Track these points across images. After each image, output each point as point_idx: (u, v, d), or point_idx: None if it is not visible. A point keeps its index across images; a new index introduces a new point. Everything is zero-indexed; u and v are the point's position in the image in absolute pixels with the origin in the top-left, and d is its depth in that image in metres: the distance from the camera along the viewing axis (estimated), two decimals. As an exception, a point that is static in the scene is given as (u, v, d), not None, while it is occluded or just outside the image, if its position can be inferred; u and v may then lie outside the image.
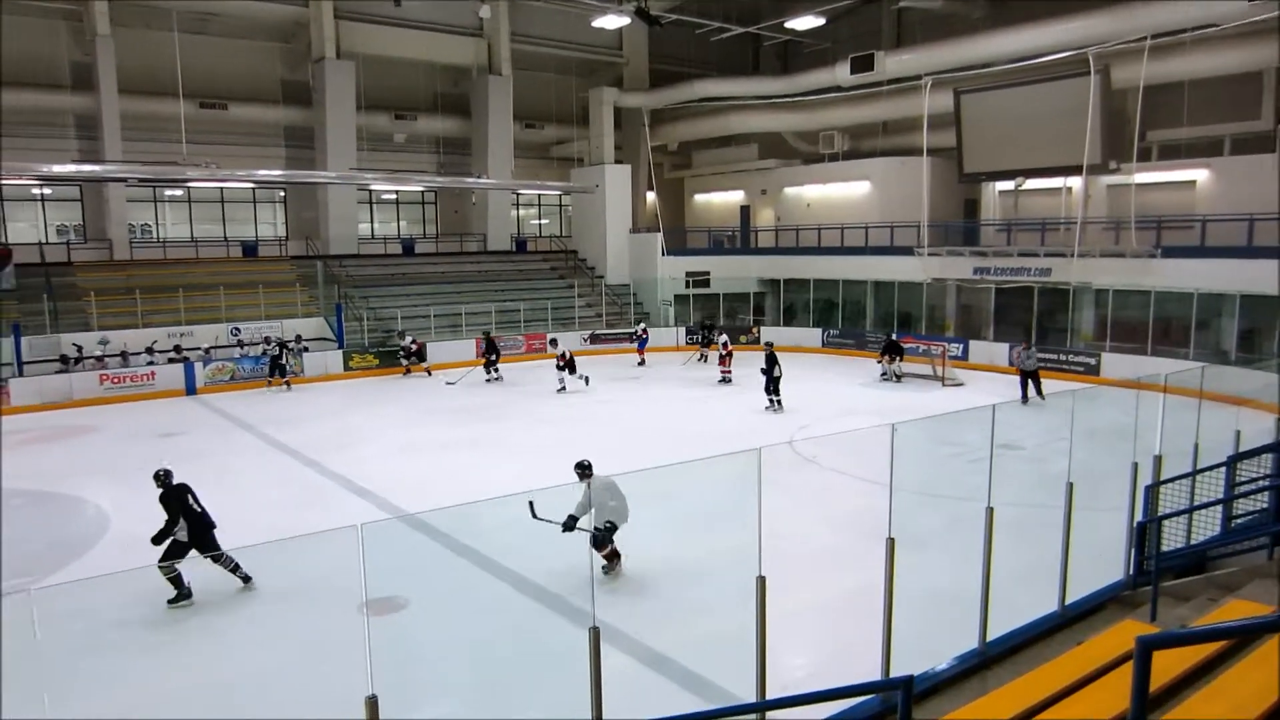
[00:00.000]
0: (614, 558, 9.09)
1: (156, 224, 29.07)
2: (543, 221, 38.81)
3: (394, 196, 34.13)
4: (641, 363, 25.73)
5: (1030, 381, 18.88)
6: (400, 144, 32.31)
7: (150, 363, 21.87)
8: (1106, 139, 22.69)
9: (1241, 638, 4.36)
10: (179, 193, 29.07)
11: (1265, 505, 7.31)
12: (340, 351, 24.37)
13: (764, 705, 5.32)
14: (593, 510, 8.87)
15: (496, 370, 23.15)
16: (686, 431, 16.63)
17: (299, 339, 24.03)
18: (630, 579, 9.00)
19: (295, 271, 28.20)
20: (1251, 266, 19.92)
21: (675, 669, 7.20)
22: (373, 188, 31.99)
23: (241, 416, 18.69)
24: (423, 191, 34.26)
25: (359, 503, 12.26)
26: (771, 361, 18.33)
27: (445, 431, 16.91)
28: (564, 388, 21.12)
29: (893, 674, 5.89)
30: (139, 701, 7.01)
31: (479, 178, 30.28)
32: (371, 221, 33.54)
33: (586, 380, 21.47)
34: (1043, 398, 18.30)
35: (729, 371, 22.20)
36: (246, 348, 23.63)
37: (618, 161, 33.22)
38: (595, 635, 4.68)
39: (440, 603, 8.95)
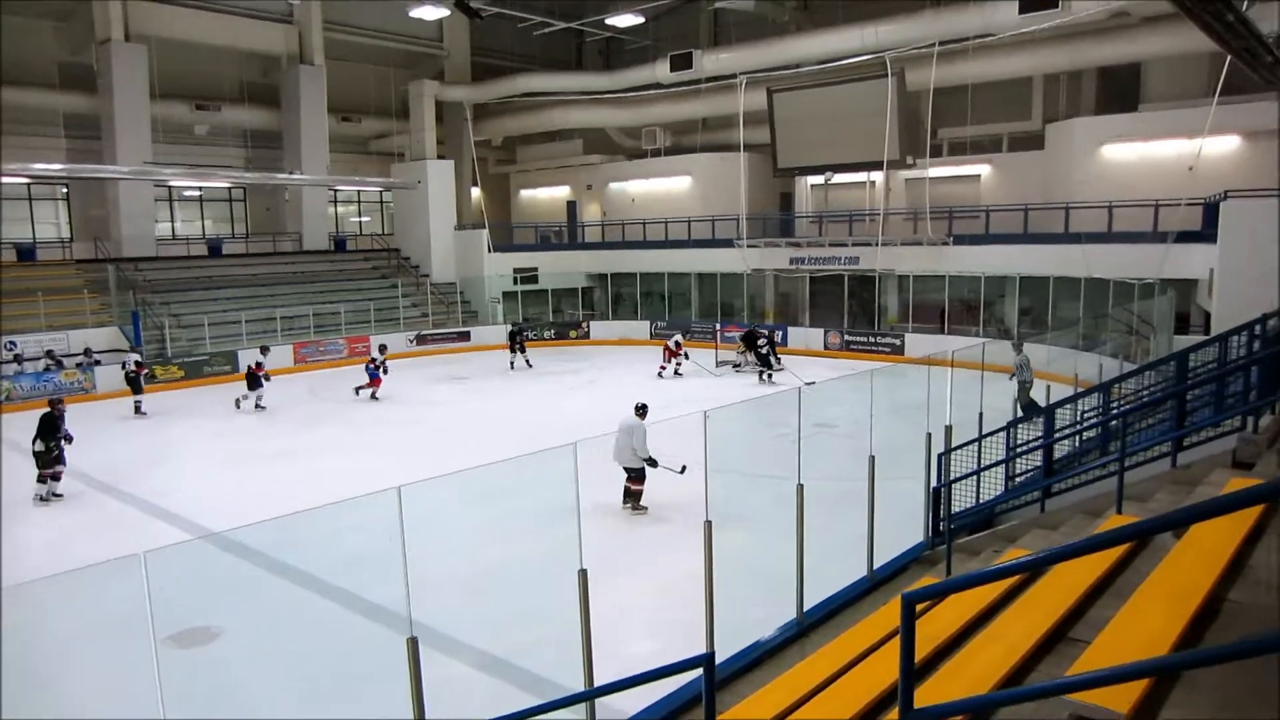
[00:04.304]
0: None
1: (-87, 225, 25.87)
2: (363, 219, 37.50)
3: (198, 193, 31.97)
4: (373, 396, 20.04)
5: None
6: (203, 136, 30.27)
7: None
8: (904, 136, 24.36)
9: (1007, 578, 4.88)
10: (-62, 189, 25.92)
11: (1039, 463, 8.13)
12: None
13: (575, 698, 5.34)
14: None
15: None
16: (525, 428, 16.59)
17: (88, 351, 22.12)
18: (463, 583, 8.89)
19: (83, 276, 25.83)
20: (1028, 251, 22.13)
21: (513, 671, 7.15)
22: (172, 184, 29.86)
23: (20, 440, 16.86)
24: (230, 188, 32.30)
25: (163, 527, 11.35)
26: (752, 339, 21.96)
27: (261, 445, 16.02)
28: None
29: (720, 651, 6.15)
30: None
31: (291, 173, 28.85)
32: (172, 220, 31.28)
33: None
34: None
35: (666, 366, 22.48)
36: (25, 363, 21.45)
37: (440, 157, 32.53)
38: (413, 646, 4.59)
39: (258, 628, 8.49)
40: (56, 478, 12.73)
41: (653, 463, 10.64)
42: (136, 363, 19.93)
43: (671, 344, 22.74)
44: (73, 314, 23.93)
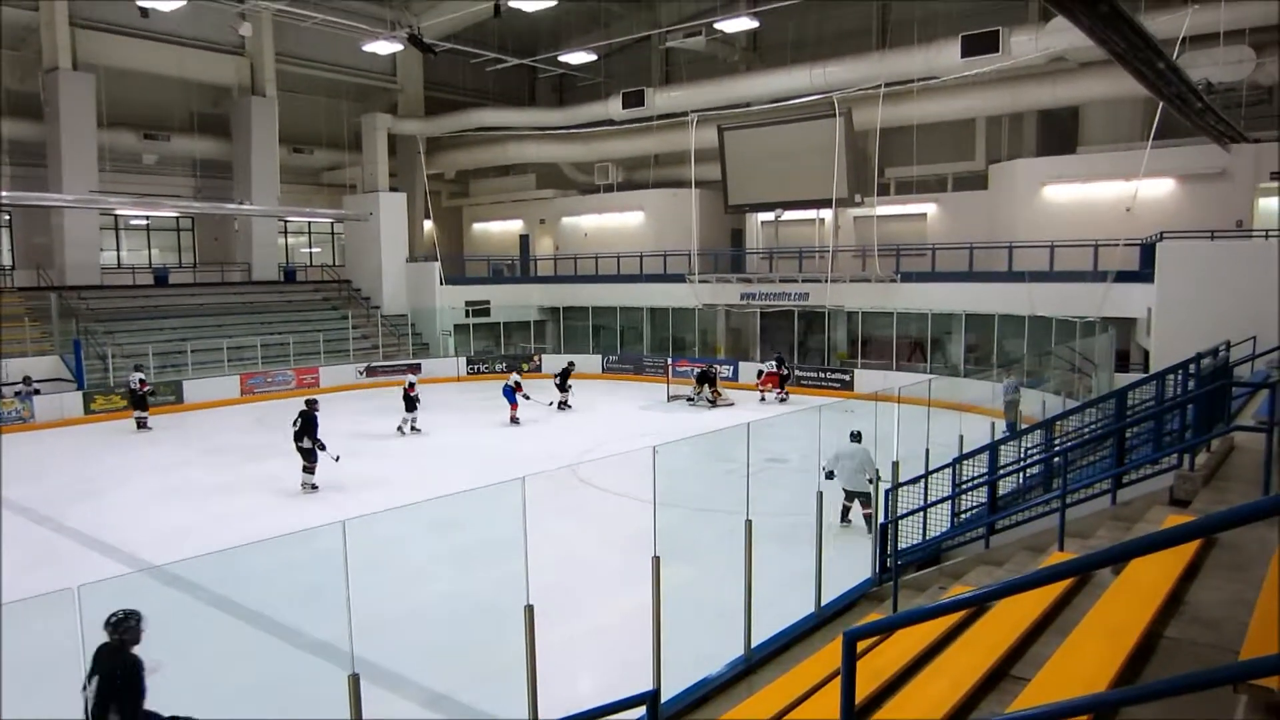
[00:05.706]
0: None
1: None
2: (314, 250, 37.11)
3: (145, 222, 31.41)
4: (513, 420, 20.49)
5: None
6: (151, 165, 29.84)
7: None
8: (852, 175, 24.84)
9: (951, 614, 4.93)
10: (-128, 216, 25.16)
11: (984, 500, 8.25)
12: (80, 393, 21.96)
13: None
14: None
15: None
16: (475, 462, 16.41)
17: (27, 380, 21.45)
18: (408, 617, 8.74)
19: (24, 304, 25.15)
20: (973, 289, 22.57)
21: (456, 708, 7.05)
22: (118, 212, 29.32)
23: None
24: (178, 217, 31.78)
25: (100, 559, 11.06)
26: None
27: (205, 477, 15.65)
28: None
29: (667, 687, 6.11)
30: None
31: (241, 203, 28.51)
32: (118, 249, 30.72)
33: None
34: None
35: (776, 391, 23.16)
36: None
37: (393, 189, 32.40)
38: (354, 684, 4.52)
39: (195, 663, 8.25)
40: (312, 471, 14.24)
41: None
42: (140, 380, 20.46)
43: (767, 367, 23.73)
44: (13, 342, 23.22)
